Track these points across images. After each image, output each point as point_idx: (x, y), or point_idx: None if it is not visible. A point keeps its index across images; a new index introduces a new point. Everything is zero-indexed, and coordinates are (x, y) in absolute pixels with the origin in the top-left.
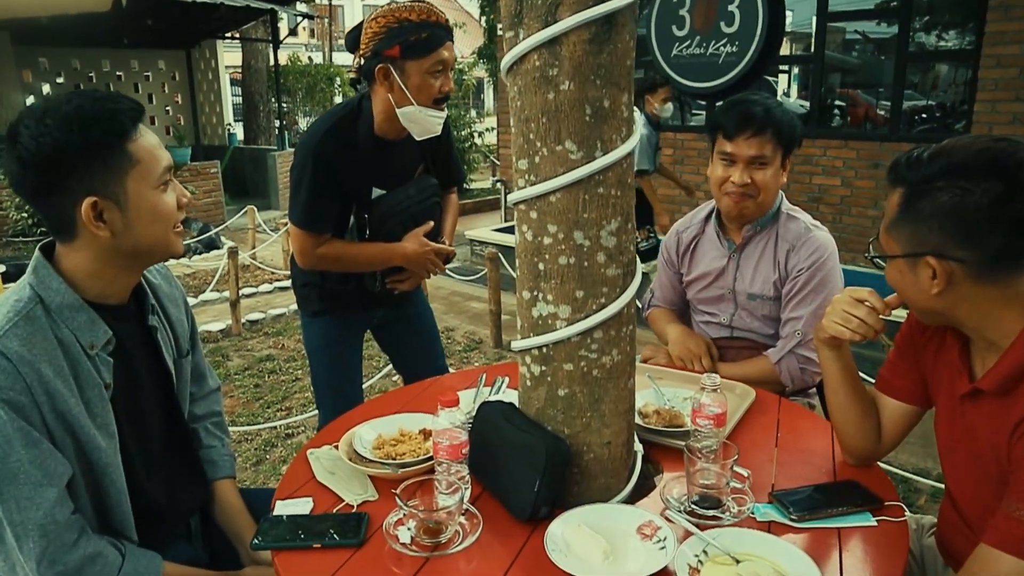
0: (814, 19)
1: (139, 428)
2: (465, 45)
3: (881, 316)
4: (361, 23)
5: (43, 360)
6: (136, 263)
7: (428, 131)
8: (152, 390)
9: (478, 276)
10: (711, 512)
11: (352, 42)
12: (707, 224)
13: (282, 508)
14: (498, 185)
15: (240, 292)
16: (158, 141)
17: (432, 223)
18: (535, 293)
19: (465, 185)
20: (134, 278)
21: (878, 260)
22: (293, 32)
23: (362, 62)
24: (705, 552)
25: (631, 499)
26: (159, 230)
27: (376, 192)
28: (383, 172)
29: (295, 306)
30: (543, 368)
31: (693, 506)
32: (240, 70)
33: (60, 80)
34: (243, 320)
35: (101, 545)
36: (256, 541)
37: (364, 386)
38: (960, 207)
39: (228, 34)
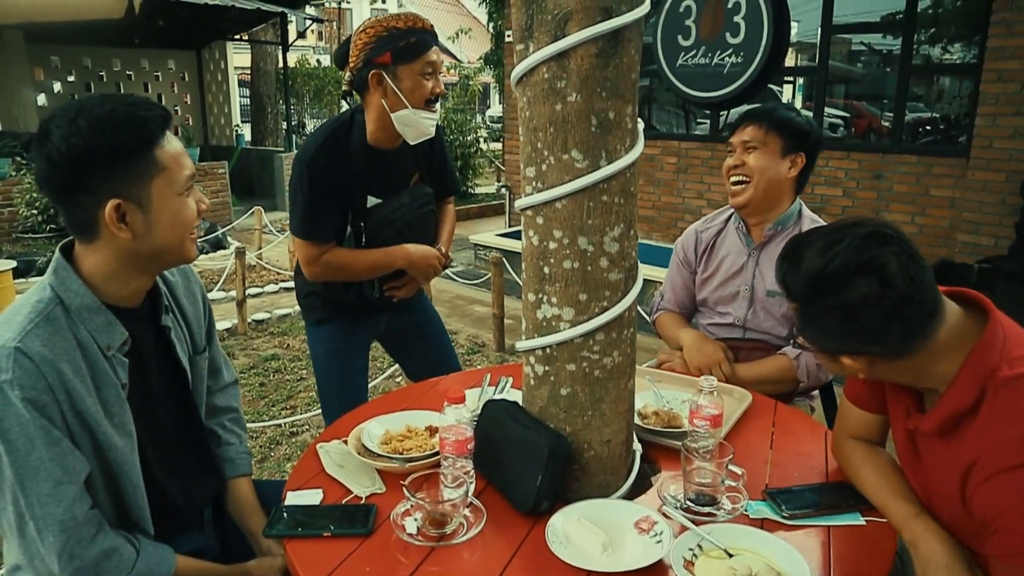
0: (819, 30)
1: (154, 426)
2: (472, 50)
3: None
4: (349, 39)
5: (63, 360)
6: (151, 266)
7: (422, 133)
8: (166, 389)
9: (482, 280)
10: (706, 509)
11: (341, 58)
12: (728, 224)
13: (293, 498)
14: (503, 190)
15: (246, 292)
16: (183, 148)
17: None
18: (540, 295)
19: (470, 190)
20: (148, 281)
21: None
22: (302, 35)
23: (353, 74)
24: (700, 546)
25: (629, 496)
26: (178, 235)
27: (372, 201)
28: (378, 182)
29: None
30: (546, 368)
31: (689, 503)
32: (249, 71)
33: (71, 78)
34: (249, 319)
35: (118, 541)
36: (268, 529)
37: (368, 387)
38: (850, 319)
39: (238, 36)
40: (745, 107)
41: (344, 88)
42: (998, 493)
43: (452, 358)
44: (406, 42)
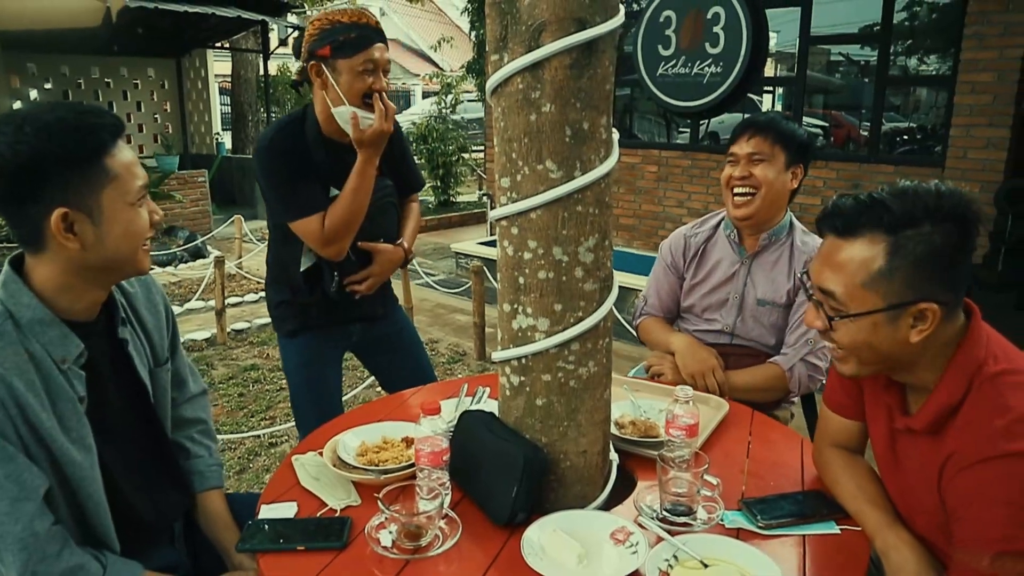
0: (797, 41)
1: (117, 441)
2: (454, 59)
3: None
4: (303, 29)
5: (14, 374)
6: (103, 278)
7: None
8: (126, 403)
9: (463, 289)
10: (682, 519)
11: (296, 49)
12: (717, 230)
13: (267, 512)
14: (484, 198)
15: (226, 301)
16: (136, 158)
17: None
18: (515, 306)
19: (451, 198)
20: (102, 294)
21: (841, 319)
22: (283, 43)
23: (302, 65)
24: (675, 557)
25: (606, 506)
26: (129, 245)
27: (333, 192)
28: (337, 173)
29: None
30: (522, 378)
31: (665, 513)
32: (229, 79)
33: (48, 86)
34: (228, 329)
35: (84, 558)
36: (241, 544)
37: (348, 397)
38: (960, 250)
39: (218, 44)
40: (725, 115)
41: (294, 78)
42: (971, 482)
43: (427, 369)
44: (346, 36)
